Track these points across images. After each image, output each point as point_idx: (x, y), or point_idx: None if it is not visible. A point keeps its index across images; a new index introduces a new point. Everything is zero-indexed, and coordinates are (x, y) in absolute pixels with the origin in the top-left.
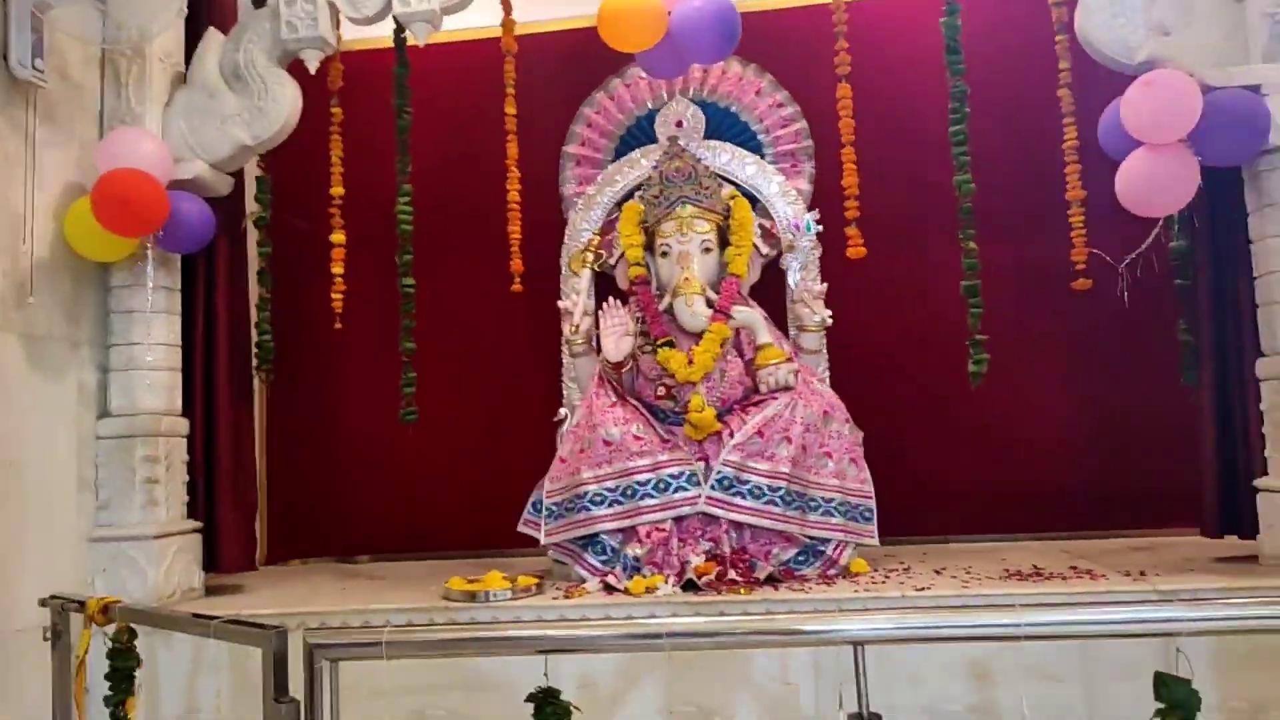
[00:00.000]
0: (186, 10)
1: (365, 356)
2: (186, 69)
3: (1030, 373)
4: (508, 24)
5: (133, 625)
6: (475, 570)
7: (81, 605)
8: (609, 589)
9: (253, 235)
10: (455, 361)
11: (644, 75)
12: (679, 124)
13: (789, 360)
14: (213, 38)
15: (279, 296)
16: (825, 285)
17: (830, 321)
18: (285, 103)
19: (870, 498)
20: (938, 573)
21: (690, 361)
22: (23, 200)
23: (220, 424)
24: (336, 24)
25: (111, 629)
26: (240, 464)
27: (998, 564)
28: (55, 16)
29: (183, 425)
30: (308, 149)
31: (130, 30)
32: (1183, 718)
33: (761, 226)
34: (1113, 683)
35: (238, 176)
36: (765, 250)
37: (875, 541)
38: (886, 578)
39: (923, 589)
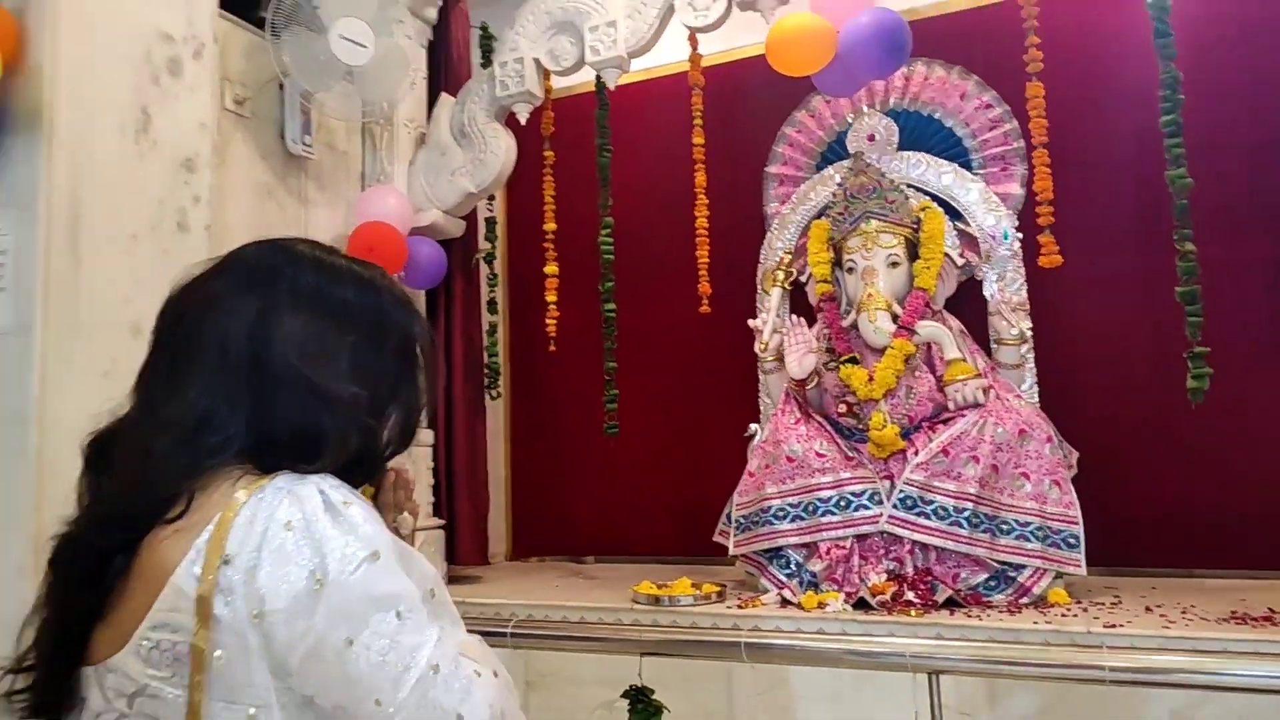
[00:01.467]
0: (425, 79)
1: (584, 374)
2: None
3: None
4: (694, 59)
5: None
6: (680, 575)
7: None
8: (785, 602)
9: (484, 270)
10: (663, 378)
11: None
12: (870, 138)
13: (978, 376)
14: (444, 102)
15: (521, 321)
16: (1023, 296)
17: (1029, 334)
18: (501, 153)
19: (1075, 523)
20: (1149, 610)
21: (870, 379)
22: None
23: (457, 435)
24: (546, 77)
25: None
26: (474, 470)
27: (1234, 604)
28: (321, 99)
29: (427, 436)
30: (528, 189)
31: (378, 103)
32: None
33: (964, 234)
34: None
35: (470, 219)
36: (960, 261)
37: (1081, 570)
38: (1084, 610)
39: (1113, 626)
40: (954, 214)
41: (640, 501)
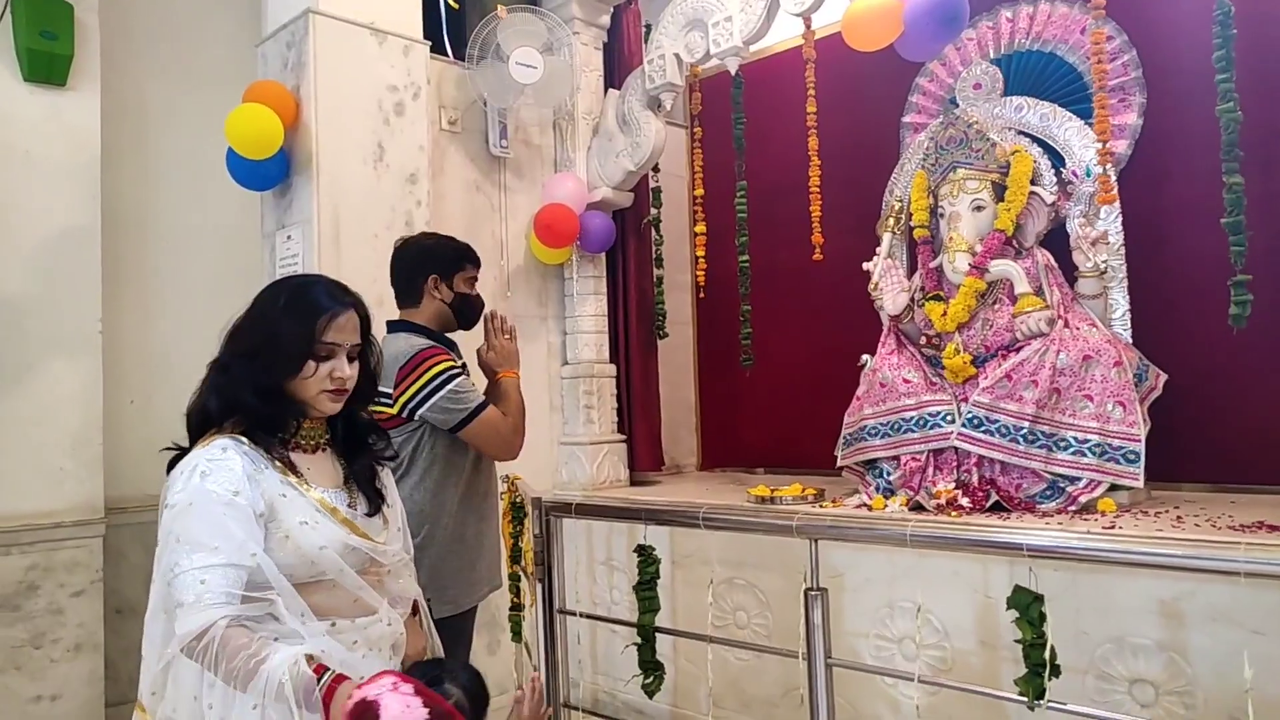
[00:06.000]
0: (601, 77)
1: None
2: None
3: None
4: (807, 36)
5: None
6: (821, 485)
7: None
8: (863, 505)
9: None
10: (819, 316)
11: (972, 37)
12: (977, 86)
13: (1045, 309)
14: (611, 96)
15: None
16: (1102, 230)
17: (1105, 266)
18: (651, 136)
19: (1136, 440)
20: (1179, 520)
21: (943, 314)
22: (501, 231)
23: (634, 369)
24: (692, 67)
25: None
26: (648, 397)
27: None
28: (515, 109)
29: (610, 369)
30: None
31: (556, 108)
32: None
33: (1059, 173)
34: None
35: (641, 190)
36: (1050, 199)
37: (1138, 484)
38: (1119, 518)
39: (1111, 527)
40: (1057, 154)
41: (796, 423)
